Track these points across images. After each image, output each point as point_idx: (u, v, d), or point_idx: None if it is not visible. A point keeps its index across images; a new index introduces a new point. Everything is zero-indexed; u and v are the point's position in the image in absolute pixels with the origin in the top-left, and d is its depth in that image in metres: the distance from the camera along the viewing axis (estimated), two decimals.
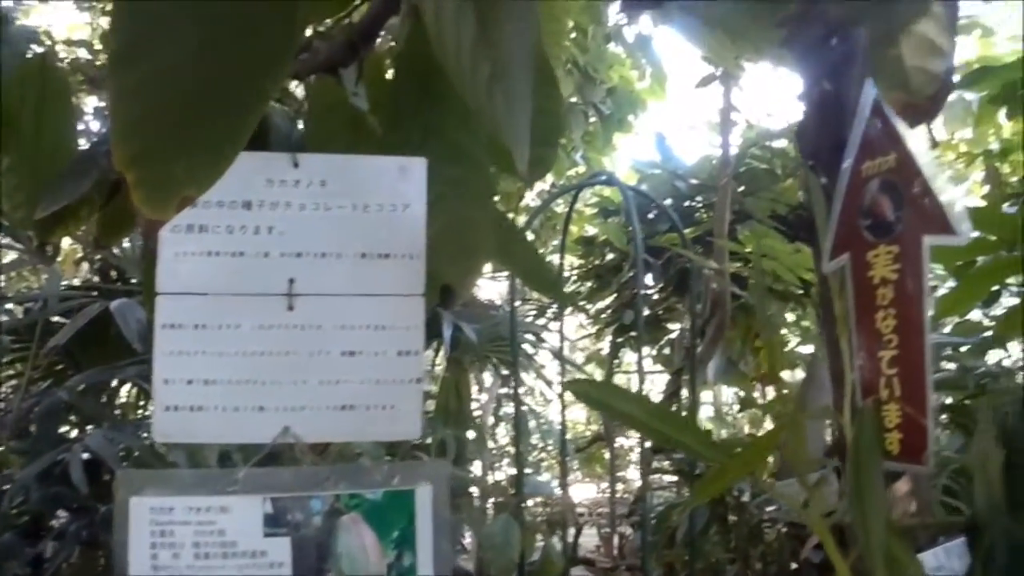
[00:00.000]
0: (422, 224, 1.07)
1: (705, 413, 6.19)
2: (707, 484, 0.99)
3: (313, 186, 1.07)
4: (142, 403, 3.04)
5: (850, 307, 0.93)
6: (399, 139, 1.08)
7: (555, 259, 3.18)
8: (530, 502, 4.03)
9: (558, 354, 2.96)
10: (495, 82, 0.71)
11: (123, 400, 3.15)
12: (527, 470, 5.46)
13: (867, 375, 0.91)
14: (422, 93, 1.05)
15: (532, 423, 3.98)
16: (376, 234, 1.07)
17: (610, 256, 5.25)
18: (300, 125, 1.16)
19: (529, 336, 3.62)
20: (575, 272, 5.61)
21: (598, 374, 6.20)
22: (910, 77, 0.65)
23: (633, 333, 4.43)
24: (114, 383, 2.89)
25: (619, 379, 5.91)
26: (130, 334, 2.34)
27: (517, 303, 4.01)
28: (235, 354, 1.05)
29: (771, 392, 5.50)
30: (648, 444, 3.13)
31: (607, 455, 5.30)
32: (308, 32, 1.21)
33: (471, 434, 3.25)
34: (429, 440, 2.57)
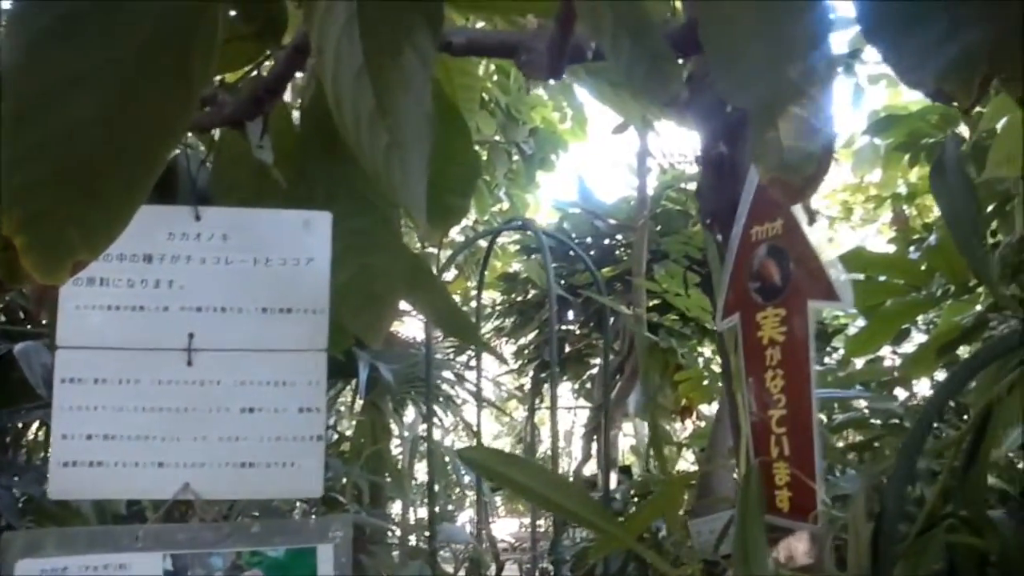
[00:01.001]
0: (326, 278, 1.07)
1: (628, 443, 6.25)
2: (599, 547, 1.00)
3: (215, 240, 1.06)
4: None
5: (742, 365, 0.96)
6: (305, 192, 1.08)
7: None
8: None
9: (476, 395, 2.96)
10: (392, 151, 0.71)
11: (31, 438, 3.05)
12: (449, 507, 5.43)
13: (759, 432, 0.94)
14: (329, 146, 1.06)
15: (451, 462, 3.95)
16: (278, 289, 1.06)
17: (532, 292, 5.28)
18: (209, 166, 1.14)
19: (448, 375, 3.61)
20: (497, 308, 5.62)
21: (520, 410, 6.21)
22: (787, 157, 0.67)
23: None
24: (20, 424, 2.78)
25: (541, 415, 5.93)
26: (34, 379, 2.26)
27: (438, 338, 4.00)
28: (134, 409, 1.04)
29: (690, 424, 5.59)
30: None
31: None
32: (216, 80, 1.20)
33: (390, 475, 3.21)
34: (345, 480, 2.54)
